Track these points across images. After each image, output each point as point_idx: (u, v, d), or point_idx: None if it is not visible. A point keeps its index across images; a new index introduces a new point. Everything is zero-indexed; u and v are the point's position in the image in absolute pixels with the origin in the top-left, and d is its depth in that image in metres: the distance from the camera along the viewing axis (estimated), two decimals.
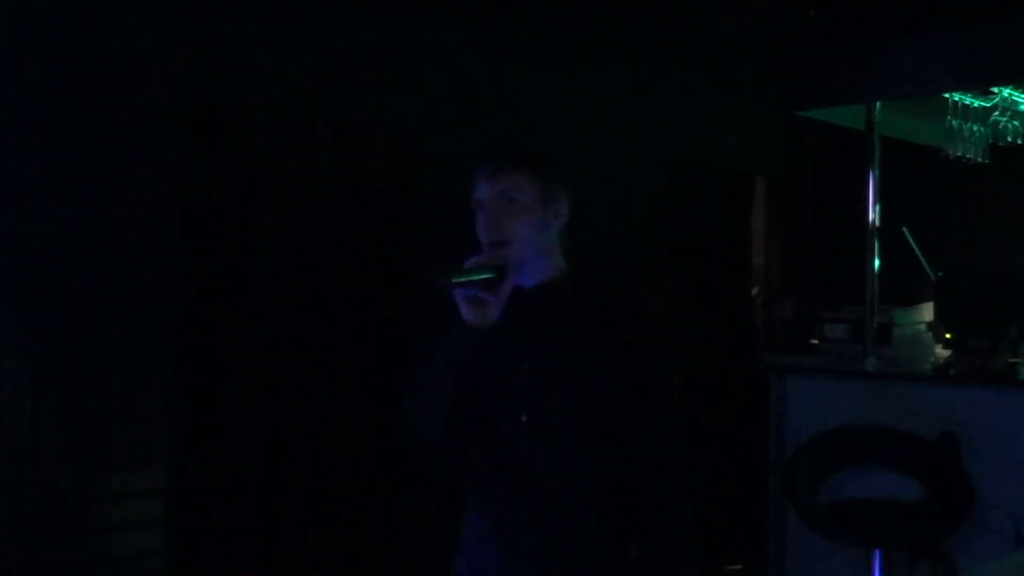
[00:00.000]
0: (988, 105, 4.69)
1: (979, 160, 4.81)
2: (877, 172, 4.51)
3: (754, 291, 5.93)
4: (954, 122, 4.64)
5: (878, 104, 4.50)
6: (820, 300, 5.91)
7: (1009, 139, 4.81)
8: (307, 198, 3.89)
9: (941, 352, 4.52)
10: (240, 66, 3.70)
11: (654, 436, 2.14)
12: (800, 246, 6.10)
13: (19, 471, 3.17)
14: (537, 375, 2.10)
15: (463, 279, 1.96)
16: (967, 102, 4.63)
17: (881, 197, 4.53)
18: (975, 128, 4.72)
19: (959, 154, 4.71)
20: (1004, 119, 4.76)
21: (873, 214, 4.51)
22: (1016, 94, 4.65)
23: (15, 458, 3.16)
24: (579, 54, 4.87)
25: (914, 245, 4.74)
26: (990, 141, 4.85)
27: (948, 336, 4.54)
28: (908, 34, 4.41)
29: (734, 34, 5.48)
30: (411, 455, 2.36)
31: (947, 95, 4.55)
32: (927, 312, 4.63)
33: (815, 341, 4.94)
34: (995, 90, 4.57)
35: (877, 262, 4.50)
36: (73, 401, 3.29)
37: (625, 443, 2.11)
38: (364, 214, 4.04)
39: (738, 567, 5.39)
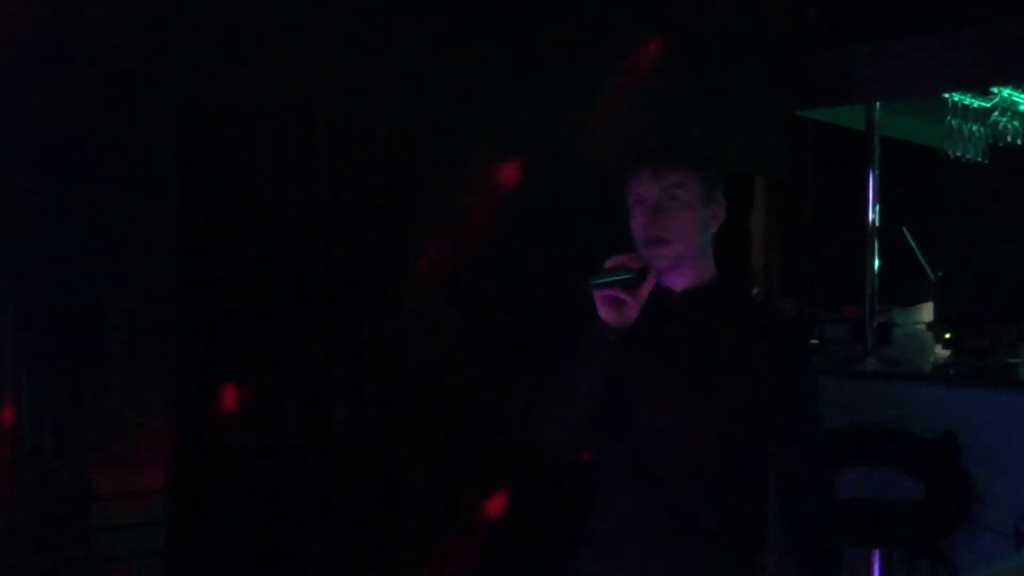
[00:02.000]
0: (988, 105, 4.69)
1: (979, 160, 4.81)
2: (877, 172, 4.50)
3: (754, 291, 5.93)
4: (954, 122, 4.63)
5: (878, 104, 4.49)
6: (820, 300, 5.91)
7: (1009, 139, 4.81)
8: (306, 198, 3.89)
9: (941, 352, 4.52)
10: (240, 66, 3.69)
11: (804, 451, 2.11)
12: (800, 246, 6.10)
13: (19, 471, 3.17)
14: (684, 380, 2.07)
15: (603, 280, 1.94)
16: (967, 102, 4.63)
17: (881, 197, 4.52)
18: (975, 128, 4.71)
19: (959, 154, 4.71)
20: (1004, 119, 4.76)
21: (873, 214, 4.51)
22: (1016, 94, 4.64)
23: (15, 458, 3.16)
24: (579, 54, 4.86)
25: (914, 245, 4.73)
26: (990, 141, 4.84)
27: (948, 336, 4.54)
28: (908, 34, 4.41)
29: (734, 34, 5.48)
30: (548, 455, 2.31)
31: (947, 95, 4.54)
32: (927, 312, 4.63)
33: (815, 341, 4.94)
34: (995, 90, 4.57)
35: (877, 262, 4.50)
36: (73, 401, 3.29)
37: (775, 457, 2.09)
38: (363, 214, 4.04)
39: None
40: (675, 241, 2.05)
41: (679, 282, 2.11)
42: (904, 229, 4.74)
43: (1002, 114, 4.75)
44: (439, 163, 4.25)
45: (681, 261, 2.08)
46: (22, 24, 3.20)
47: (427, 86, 4.25)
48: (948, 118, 4.63)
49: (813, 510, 2.12)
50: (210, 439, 3.65)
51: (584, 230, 4.09)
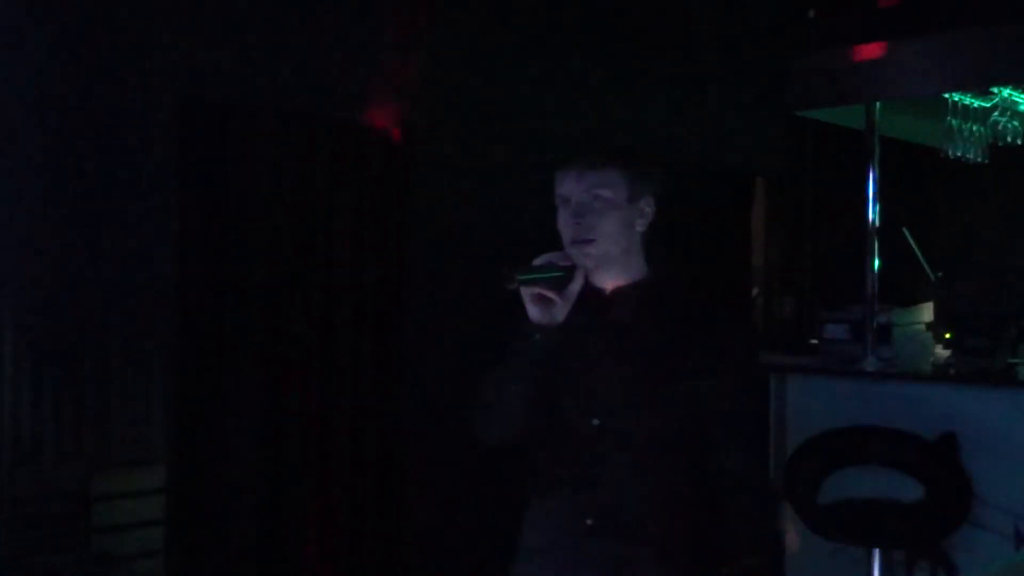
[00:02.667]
0: (988, 105, 4.68)
1: (979, 160, 4.81)
2: (877, 172, 4.50)
3: (754, 291, 5.93)
4: (954, 122, 4.63)
5: (878, 104, 4.49)
6: (820, 300, 5.91)
7: (1009, 139, 4.80)
8: (306, 198, 3.89)
9: (941, 352, 4.51)
10: (240, 65, 3.69)
11: (743, 450, 2.10)
12: (800, 246, 6.10)
13: (19, 471, 3.17)
14: (615, 379, 2.05)
15: (530, 277, 1.94)
16: (967, 102, 4.62)
17: (881, 197, 4.52)
18: (975, 128, 4.71)
19: (959, 154, 4.71)
20: (1004, 119, 4.76)
21: (873, 214, 4.51)
22: (1016, 94, 4.64)
23: (15, 458, 3.16)
24: (578, 54, 4.86)
25: (914, 245, 4.73)
26: (990, 141, 4.84)
27: (948, 336, 4.54)
28: (908, 34, 4.41)
29: (734, 34, 5.48)
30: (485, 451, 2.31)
31: (947, 95, 4.54)
32: (927, 312, 4.62)
33: (815, 341, 4.93)
34: (995, 90, 4.56)
35: (877, 262, 4.49)
36: (73, 401, 3.29)
37: (706, 454, 2.07)
38: (362, 214, 4.04)
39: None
40: (600, 240, 2.05)
41: (609, 281, 2.11)
42: (904, 229, 4.74)
43: (1002, 114, 4.75)
44: (439, 163, 4.25)
45: (607, 260, 2.07)
46: (22, 23, 3.20)
47: (427, 86, 4.25)
48: (948, 118, 4.62)
49: (752, 511, 2.09)
50: (210, 439, 3.65)
51: None
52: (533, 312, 1.97)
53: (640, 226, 2.12)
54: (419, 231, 4.20)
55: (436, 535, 4.22)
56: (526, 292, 1.95)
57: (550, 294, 1.95)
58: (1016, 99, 4.69)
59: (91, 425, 3.33)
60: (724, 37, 5.46)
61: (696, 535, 2.10)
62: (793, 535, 3.69)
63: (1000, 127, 4.77)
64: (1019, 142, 4.84)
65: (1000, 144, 4.85)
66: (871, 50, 4.49)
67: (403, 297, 4.14)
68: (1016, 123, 4.79)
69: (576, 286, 1.97)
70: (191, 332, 3.60)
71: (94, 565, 3.32)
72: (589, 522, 2.05)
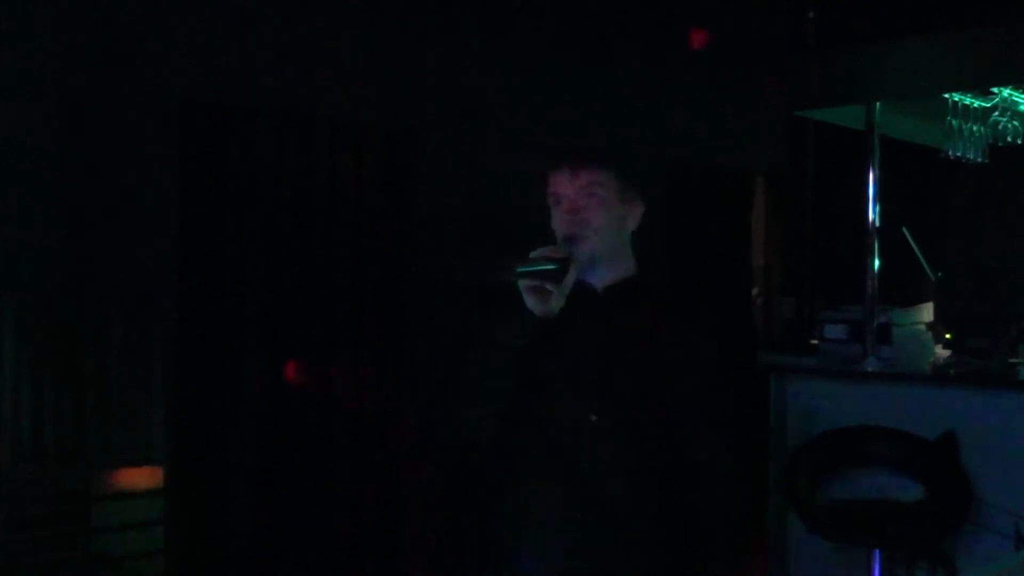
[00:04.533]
0: (988, 105, 4.69)
1: (979, 160, 4.81)
2: (877, 172, 4.51)
3: (754, 291, 5.93)
4: (954, 122, 4.63)
5: (878, 104, 4.49)
6: (820, 300, 5.91)
7: (1009, 139, 4.80)
8: (306, 197, 3.89)
9: (941, 352, 4.52)
10: (240, 66, 3.70)
11: (710, 442, 2.15)
12: (800, 246, 6.10)
13: (19, 471, 3.17)
14: (604, 376, 2.10)
15: (527, 269, 2.01)
16: (967, 102, 4.63)
17: (881, 197, 4.53)
18: (975, 128, 4.71)
19: (959, 154, 4.71)
20: (1004, 119, 4.76)
21: (873, 214, 4.51)
22: (1016, 94, 4.64)
23: (15, 458, 3.16)
24: (578, 54, 4.86)
25: (914, 245, 4.73)
26: (990, 141, 4.84)
27: (948, 336, 4.54)
28: (908, 34, 4.41)
29: (734, 34, 5.48)
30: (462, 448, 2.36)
31: (947, 95, 4.54)
32: (927, 312, 4.63)
33: (815, 341, 4.94)
34: (995, 90, 4.57)
35: (877, 262, 4.50)
36: (73, 401, 3.29)
37: (683, 446, 2.13)
38: (362, 213, 4.04)
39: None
40: (591, 238, 2.11)
41: (600, 278, 2.16)
42: (904, 229, 4.74)
43: (1002, 114, 4.75)
44: (439, 163, 4.25)
45: (599, 258, 2.13)
46: (22, 24, 3.20)
47: (427, 86, 4.25)
48: (948, 118, 4.62)
49: (717, 502, 2.14)
50: (210, 439, 3.65)
51: None
52: (531, 303, 2.03)
53: (631, 224, 2.19)
54: (419, 230, 4.20)
55: (437, 535, 4.22)
56: (523, 284, 2.02)
57: (546, 286, 2.00)
58: (1016, 99, 4.69)
59: (91, 425, 3.33)
60: (724, 37, 5.46)
61: (673, 525, 2.14)
62: None
63: (1000, 127, 4.77)
64: (1019, 142, 4.84)
65: (1000, 144, 4.86)
66: (871, 50, 4.49)
67: (403, 296, 4.14)
68: (1016, 123, 4.80)
69: (571, 278, 2.03)
70: (191, 332, 3.60)
71: (94, 565, 3.32)
72: (573, 511, 2.09)
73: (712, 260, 5.58)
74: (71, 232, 3.30)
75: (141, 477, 3.45)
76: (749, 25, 5.57)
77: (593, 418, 2.09)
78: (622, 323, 2.13)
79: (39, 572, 3.20)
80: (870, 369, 4.34)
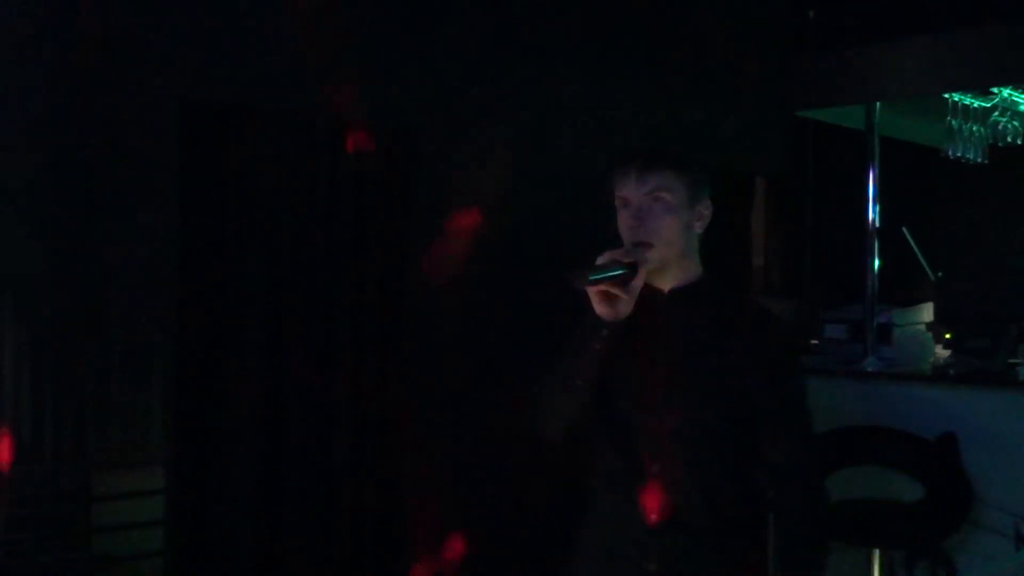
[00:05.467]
0: (988, 105, 4.69)
1: (979, 160, 4.81)
2: (877, 172, 4.51)
3: (754, 291, 5.93)
4: (954, 122, 4.63)
5: (878, 104, 4.50)
6: (820, 300, 5.91)
7: (1009, 139, 4.80)
8: (306, 197, 3.89)
9: (941, 352, 4.52)
10: (240, 66, 3.69)
11: (790, 445, 2.13)
12: (800, 246, 6.09)
13: (19, 471, 3.17)
14: (673, 379, 2.09)
15: (596, 276, 1.98)
16: (967, 102, 4.63)
17: (881, 197, 4.53)
18: (975, 128, 4.71)
19: (959, 154, 4.71)
20: (1004, 119, 4.76)
21: (873, 214, 4.51)
22: (1016, 94, 4.64)
23: (15, 458, 3.16)
24: (578, 53, 4.86)
25: (914, 245, 4.73)
26: (990, 141, 4.84)
27: (948, 336, 4.54)
28: (908, 34, 4.41)
29: (734, 34, 5.48)
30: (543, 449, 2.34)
31: (947, 95, 4.54)
32: (927, 312, 4.63)
33: (815, 341, 4.94)
34: (995, 90, 4.57)
35: (877, 262, 4.50)
36: (73, 401, 3.29)
37: (761, 451, 2.11)
38: (362, 214, 4.04)
39: None
40: (659, 244, 2.08)
41: (667, 282, 2.15)
42: (904, 229, 4.74)
43: (1002, 114, 4.75)
44: (439, 163, 4.24)
45: (666, 262, 2.11)
46: (22, 24, 3.20)
47: (427, 86, 4.25)
48: (948, 118, 4.62)
49: (799, 505, 2.13)
50: (210, 439, 3.65)
51: (585, 229, 4.09)
52: (600, 308, 2.00)
53: (698, 228, 2.17)
54: (420, 230, 4.19)
55: (438, 536, 4.22)
56: (593, 291, 1.99)
57: (615, 290, 1.98)
58: (1016, 99, 4.69)
59: (91, 425, 3.33)
60: (724, 37, 5.45)
61: (751, 530, 2.14)
62: None
63: (1000, 127, 4.77)
64: (1019, 142, 4.84)
65: (1000, 144, 4.85)
66: (871, 50, 4.49)
67: (403, 296, 4.13)
68: (1016, 123, 4.80)
69: (639, 282, 2.00)
70: (191, 332, 3.60)
71: (94, 565, 3.32)
72: (651, 519, 2.08)
73: (712, 260, 5.57)
74: (71, 232, 3.30)
75: (141, 477, 3.45)
76: (750, 25, 5.57)
77: (661, 423, 2.07)
78: (691, 327, 2.12)
79: (39, 572, 3.20)
80: (870, 369, 4.34)
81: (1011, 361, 4.18)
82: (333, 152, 3.96)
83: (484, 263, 4.24)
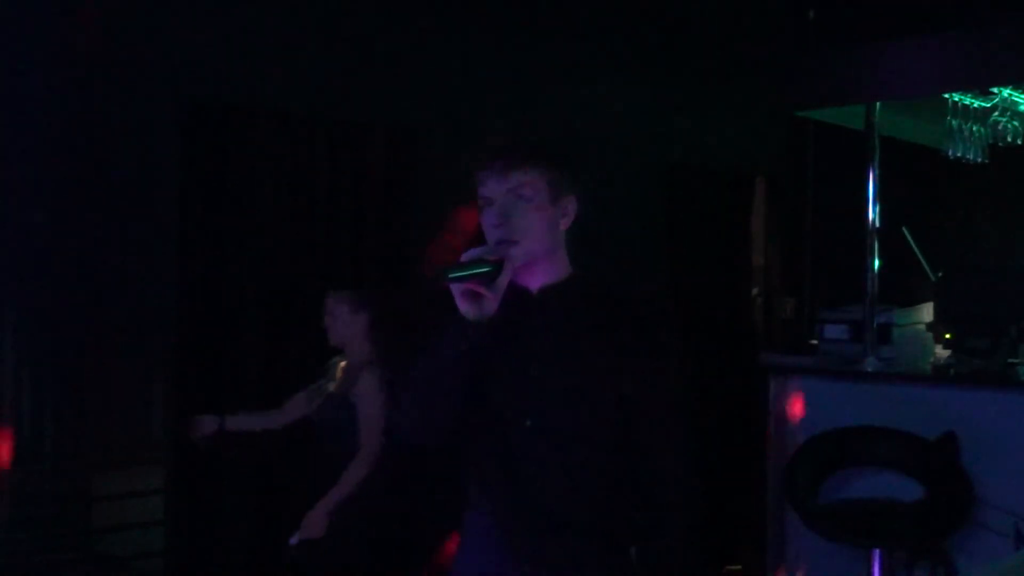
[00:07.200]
0: (988, 105, 4.68)
1: (979, 160, 4.81)
2: (877, 172, 4.50)
3: (754, 291, 5.93)
4: (954, 122, 4.63)
5: (878, 104, 4.49)
6: (820, 300, 5.91)
7: (1009, 139, 4.80)
8: (307, 197, 3.89)
9: (941, 352, 4.51)
10: (241, 66, 3.70)
11: (662, 444, 2.11)
12: (800, 246, 6.10)
13: (19, 471, 3.17)
14: (543, 379, 2.06)
15: (460, 273, 1.94)
16: (967, 102, 4.62)
17: (881, 197, 4.52)
18: (975, 128, 4.71)
19: (959, 154, 4.71)
20: (1004, 119, 4.76)
21: (873, 214, 4.51)
22: (1016, 94, 4.64)
23: (15, 458, 3.16)
24: (578, 54, 4.87)
25: (914, 245, 4.73)
26: (990, 141, 4.84)
27: (948, 336, 4.53)
28: (908, 34, 4.41)
29: (734, 34, 5.48)
30: (408, 452, 2.31)
31: (947, 95, 4.54)
32: (927, 312, 4.63)
33: (815, 341, 4.93)
34: (995, 90, 4.56)
35: (877, 262, 4.49)
36: (73, 401, 3.29)
37: (633, 450, 2.09)
38: (362, 213, 4.04)
39: (738, 567, 5.39)
40: (524, 241, 2.03)
41: (535, 280, 2.10)
42: (904, 229, 4.74)
43: (1002, 114, 4.75)
44: (439, 163, 4.25)
45: (533, 260, 2.06)
46: (23, 25, 3.20)
47: (427, 86, 4.25)
48: (948, 118, 4.62)
49: (675, 504, 2.10)
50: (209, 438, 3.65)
51: (585, 228, 4.09)
52: (464, 306, 1.95)
53: (564, 225, 2.12)
54: (420, 230, 4.20)
55: (437, 536, 4.22)
56: (456, 288, 1.95)
57: (480, 289, 1.95)
58: (1016, 99, 4.69)
59: (91, 425, 3.33)
60: (724, 37, 5.46)
61: (627, 529, 2.11)
62: None
63: (1000, 127, 4.76)
64: (1019, 142, 4.83)
65: (1000, 144, 4.85)
66: (871, 50, 4.49)
67: (404, 296, 4.14)
68: (1016, 123, 4.79)
69: (504, 280, 1.96)
70: (191, 332, 3.60)
71: (94, 565, 3.32)
72: (527, 517, 2.06)
73: (712, 260, 5.58)
74: (72, 232, 3.31)
75: (141, 477, 3.45)
76: (749, 25, 5.58)
77: (528, 423, 2.05)
78: (561, 324, 2.08)
79: (40, 572, 3.20)
80: (870, 369, 4.34)
81: (1011, 361, 4.18)
82: (333, 152, 3.96)
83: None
